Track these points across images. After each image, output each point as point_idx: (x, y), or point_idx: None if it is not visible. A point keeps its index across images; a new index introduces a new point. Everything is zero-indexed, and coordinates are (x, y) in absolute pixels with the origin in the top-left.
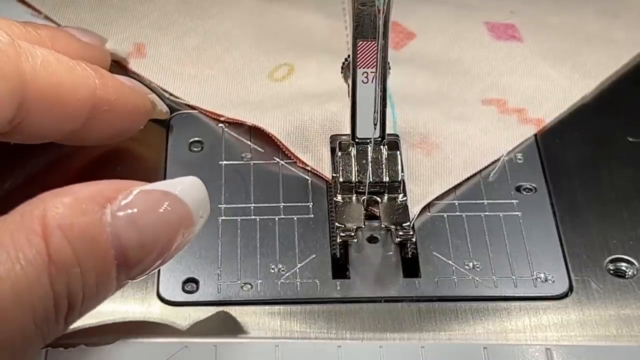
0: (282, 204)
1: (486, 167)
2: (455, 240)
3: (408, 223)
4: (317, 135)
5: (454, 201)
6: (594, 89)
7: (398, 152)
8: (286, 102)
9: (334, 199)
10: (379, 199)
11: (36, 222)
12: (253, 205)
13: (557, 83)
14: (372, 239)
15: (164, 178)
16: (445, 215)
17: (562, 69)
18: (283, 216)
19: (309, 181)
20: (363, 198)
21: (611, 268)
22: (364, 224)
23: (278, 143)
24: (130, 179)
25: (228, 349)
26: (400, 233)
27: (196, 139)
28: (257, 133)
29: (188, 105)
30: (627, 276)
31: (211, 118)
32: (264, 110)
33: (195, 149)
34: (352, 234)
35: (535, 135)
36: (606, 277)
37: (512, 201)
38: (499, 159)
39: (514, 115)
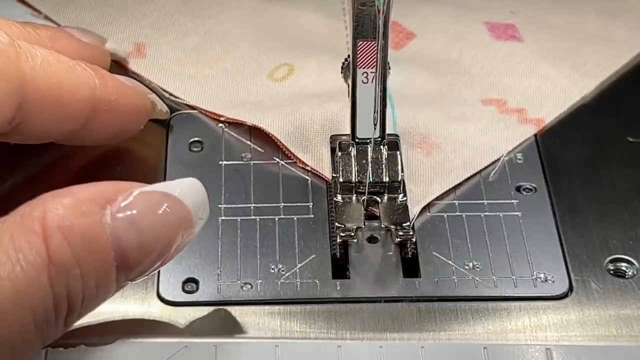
0: (282, 204)
1: (486, 167)
2: (455, 241)
3: (408, 223)
4: (317, 135)
5: (454, 201)
6: (594, 89)
7: (398, 152)
8: (286, 102)
9: (334, 199)
10: (378, 199)
11: (36, 223)
12: (253, 205)
13: (557, 83)
14: (372, 239)
15: (164, 178)
16: (445, 216)
17: (562, 68)
18: (283, 216)
19: (309, 181)
20: (363, 198)
21: (611, 268)
22: (364, 224)
23: (278, 143)
24: (131, 179)
25: (228, 349)
26: (400, 233)
27: (196, 139)
28: (257, 133)
29: (188, 105)
30: (627, 276)
31: (211, 118)
32: (264, 110)
33: (195, 149)
34: (352, 234)
35: (535, 135)
36: (606, 277)
37: (512, 201)
38: (499, 159)
39: (514, 115)
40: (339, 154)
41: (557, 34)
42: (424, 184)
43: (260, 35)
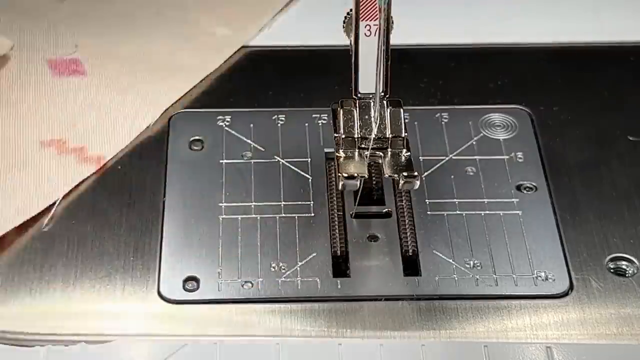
0: (283, 202)
1: (485, 165)
2: (455, 239)
3: (413, 172)
4: None
5: (455, 200)
6: (160, 117)
7: (401, 109)
8: None
9: (336, 154)
10: (381, 154)
11: None
12: (253, 204)
13: (121, 113)
14: (372, 238)
15: (165, 177)
16: (445, 214)
17: (128, 98)
18: (284, 215)
19: (310, 180)
20: (366, 153)
21: (611, 267)
22: (367, 175)
23: None
24: (131, 177)
25: (229, 347)
26: (405, 174)
27: (196, 137)
28: (258, 131)
29: None
30: (627, 275)
31: (212, 117)
32: None
33: (195, 148)
34: (355, 180)
35: (536, 133)
36: (606, 276)
37: (513, 200)
38: (55, 202)
39: (72, 155)
40: (342, 111)
41: (124, 64)
42: None
43: None
